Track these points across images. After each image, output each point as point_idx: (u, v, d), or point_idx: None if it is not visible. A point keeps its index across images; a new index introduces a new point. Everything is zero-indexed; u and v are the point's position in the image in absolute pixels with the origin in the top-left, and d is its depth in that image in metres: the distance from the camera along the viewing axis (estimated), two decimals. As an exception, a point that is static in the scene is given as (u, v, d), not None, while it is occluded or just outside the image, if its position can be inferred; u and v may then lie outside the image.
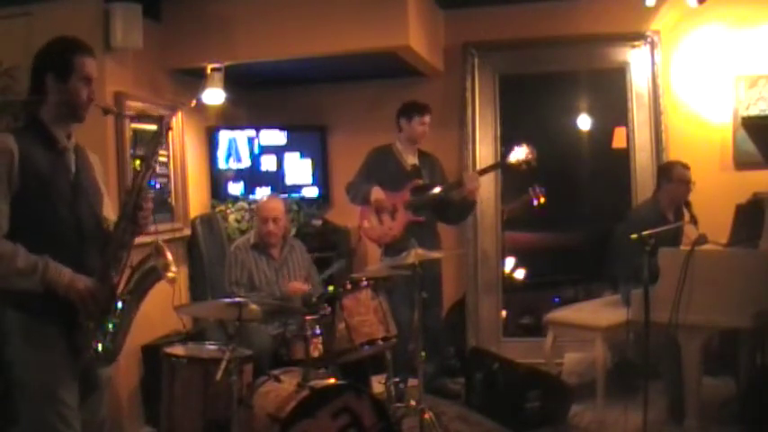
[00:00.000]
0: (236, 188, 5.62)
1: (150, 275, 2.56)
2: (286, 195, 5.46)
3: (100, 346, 2.44)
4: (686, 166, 4.40)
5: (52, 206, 2.41)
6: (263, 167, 5.72)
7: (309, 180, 5.81)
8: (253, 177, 5.69)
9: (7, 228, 2.34)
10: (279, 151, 5.75)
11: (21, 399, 2.42)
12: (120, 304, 2.49)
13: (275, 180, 5.73)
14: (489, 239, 5.58)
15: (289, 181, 5.76)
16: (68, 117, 2.49)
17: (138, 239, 2.57)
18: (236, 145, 5.63)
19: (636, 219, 4.37)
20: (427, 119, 4.82)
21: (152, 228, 2.59)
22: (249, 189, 5.64)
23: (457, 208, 4.89)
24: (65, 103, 2.44)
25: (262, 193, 5.62)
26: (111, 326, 2.45)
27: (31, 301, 2.35)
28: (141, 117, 4.25)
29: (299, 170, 5.81)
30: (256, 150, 5.70)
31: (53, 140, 2.46)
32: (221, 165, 5.57)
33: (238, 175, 5.64)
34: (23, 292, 2.35)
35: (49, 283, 2.34)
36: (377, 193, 4.70)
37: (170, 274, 2.56)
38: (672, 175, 4.41)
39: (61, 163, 2.48)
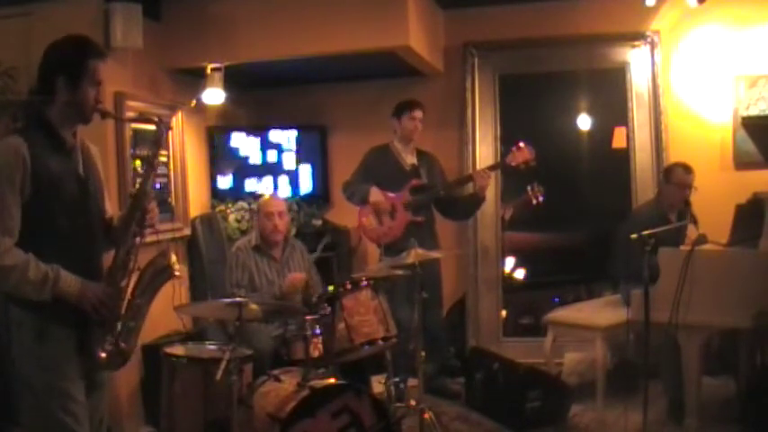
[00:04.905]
0: (235, 182, 5.63)
1: (162, 275, 2.59)
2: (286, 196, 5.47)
3: (110, 349, 2.46)
4: (689, 171, 4.37)
5: (63, 207, 2.42)
6: (263, 162, 5.73)
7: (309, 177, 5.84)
8: (251, 172, 5.71)
9: (18, 235, 2.34)
10: (278, 146, 5.77)
11: (26, 396, 2.42)
12: (130, 305, 2.51)
13: (274, 174, 5.76)
14: (489, 239, 5.58)
15: (288, 176, 5.79)
16: (75, 118, 2.49)
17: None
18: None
19: (637, 218, 4.37)
20: (417, 114, 4.81)
21: (156, 228, 2.62)
22: (242, 183, 5.65)
23: (464, 204, 4.92)
24: (73, 104, 2.44)
25: (261, 186, 5.64)
26: (120, 327, 2.48)
27: (44, 303, 2.35)
28: (140, 119, 4.25)
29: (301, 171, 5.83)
30: (256, 145, 5.72)
31: (61, 141, 2.46)
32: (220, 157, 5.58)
33: (237, 170, 5.64)
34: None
35: (59, 294, 2.35)
36: (375, 194, 4.70)
37: (177, 273, 2.61)
38: (671, 178, 4.41)
39: (69, 163, 2.48)
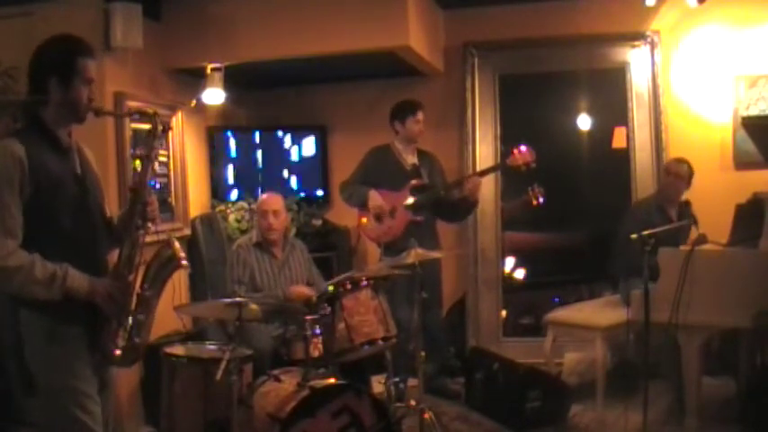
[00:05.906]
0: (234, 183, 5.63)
1: (168, 265, 2.58)
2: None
3: (122, 345, 2.46)
4: (682, 161, 4.44)
5: (63, 206, 2.42)
6: (262, 161, 5.74)
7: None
8: (251, 175, 5.70)
9: (21, 237, 2.33)
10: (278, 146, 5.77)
11: (42, 397, 2.43)
12: (140, 299, 2.51)
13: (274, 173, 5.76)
14: (489, 239, 5.58)
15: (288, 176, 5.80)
16: (69, 118, 2.49)
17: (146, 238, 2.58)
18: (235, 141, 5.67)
19: (636, 212, 4.40)
20: (420, 116, 4.80)
21: (158, 222, 2.62)
22: (248, 188, 5.64)
23: (458, 208, 4.90)
24: (67, 104, 2.44)
25: (260, 186, 5.65)
26: (131, 322, 2.48)
27: (53, 304, 2.35)
28: (133, 114, 4.22)
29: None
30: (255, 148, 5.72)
31: (57, 141, 2.46)
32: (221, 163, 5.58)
33: (238, 173, 5.65)
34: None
35: (68, 291, 2.35)
36: (375, 199, 4.68)
37: (184, 262, 2.60)
38: (666, 168, 4.47)
39: (67, 163, 2.48)
